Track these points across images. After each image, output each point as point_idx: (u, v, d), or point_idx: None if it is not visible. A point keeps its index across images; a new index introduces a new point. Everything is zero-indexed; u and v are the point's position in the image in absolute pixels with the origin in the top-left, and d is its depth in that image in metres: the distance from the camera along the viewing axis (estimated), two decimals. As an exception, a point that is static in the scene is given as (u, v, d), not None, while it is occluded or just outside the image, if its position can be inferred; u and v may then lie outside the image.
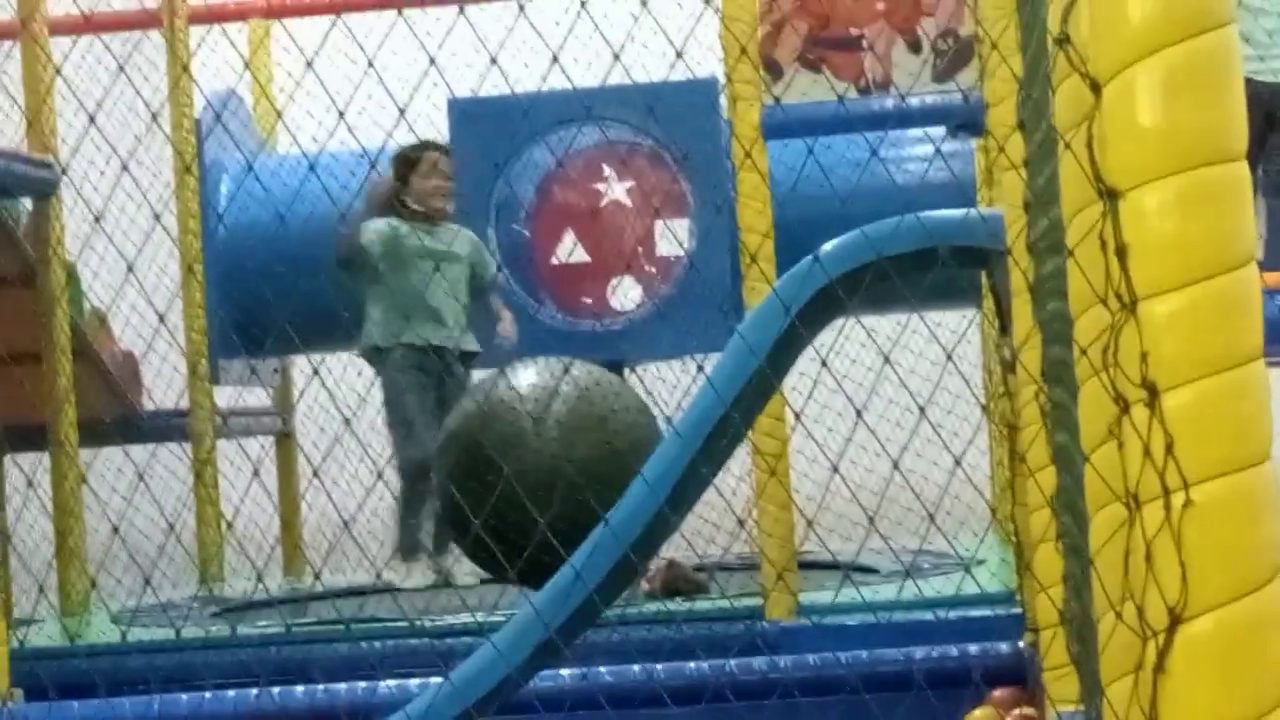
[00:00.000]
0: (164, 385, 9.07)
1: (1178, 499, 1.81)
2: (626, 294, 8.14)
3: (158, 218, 4.03)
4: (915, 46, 7.20)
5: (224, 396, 9.03)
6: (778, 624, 5.73)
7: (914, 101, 6.37)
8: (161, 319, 4.14)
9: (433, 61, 3.49)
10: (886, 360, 3.94)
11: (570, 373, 6.35)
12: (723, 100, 7.04)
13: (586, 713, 4.68)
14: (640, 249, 7.97)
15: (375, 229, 7.23)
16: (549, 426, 6.25)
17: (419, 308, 7.19)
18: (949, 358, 4.15)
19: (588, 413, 6.31)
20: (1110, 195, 1.85)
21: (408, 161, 7.33)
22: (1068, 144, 1.94)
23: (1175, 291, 1.82)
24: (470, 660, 4.22)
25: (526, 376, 6.48)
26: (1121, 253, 1.83)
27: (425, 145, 7.38)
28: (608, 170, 8.16)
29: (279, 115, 4.83)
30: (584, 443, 6.19)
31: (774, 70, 7.21)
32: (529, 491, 5.46)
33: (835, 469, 4.06)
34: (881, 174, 7.23)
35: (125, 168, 3.92)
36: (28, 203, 7.81)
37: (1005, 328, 4.36)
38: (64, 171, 4.36)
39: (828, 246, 4.23)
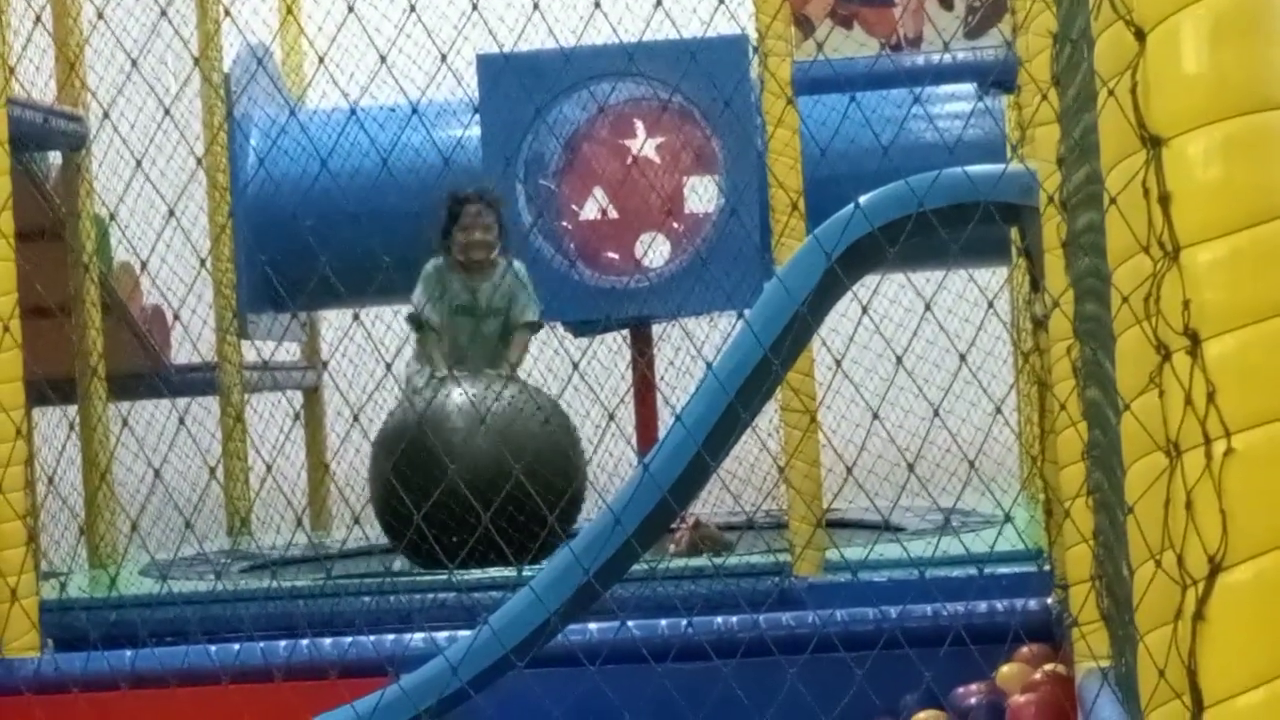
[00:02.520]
0: (192, 339, 9.08)
1: (1219, 447, 1.80)
2: (656, 251, 8.13)
3: (199, 160, 4.03)
4: (947, 3, 7.16)
5: (254, 351, 9.04)
6: (805, 580, 5.73)
7: (947, 58, 6.35)
8: (204, 263, 4.14)
9: (475, 7, 3.49)
10: (928, 307, 3.92)
11: (505, 388, 6.62)
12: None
13: (614, 666, 4.69)
14: (669, 206, 7.96)
15: (424, 291, 7.29)
16: (479, 437, 6.46)
17: (458, 361, 7.21)
18: (990, 305, 4.14)
19: (517, 427, 6.57)
20: (1154, 143, 1.85)
21: (450, 212, 7.25)
22: (1111, 91, 1.93)
23: (1219, 239, 1.81)
24: (509, 604, 4.23)
25: (463, 390, 6.71)
26: (1165, 200, 1.83)
27: (466, 198, 7.30)
28: (638, 126, 8.14)
29: (321, 60, 4.81)
30: (513, 451, 6.25)
31: (805, 26, 7.18)
32: (461, 494, 5.48)
33: (876, 415, 4.05)
34: (907, 133, 7.20)
35: (167, 112, 3.92)
36: (55, 156, 7.82)
37: (1037, 284, 4.35)
38: (106, 114, 4.36)
39: (869, 196, 4.21)
